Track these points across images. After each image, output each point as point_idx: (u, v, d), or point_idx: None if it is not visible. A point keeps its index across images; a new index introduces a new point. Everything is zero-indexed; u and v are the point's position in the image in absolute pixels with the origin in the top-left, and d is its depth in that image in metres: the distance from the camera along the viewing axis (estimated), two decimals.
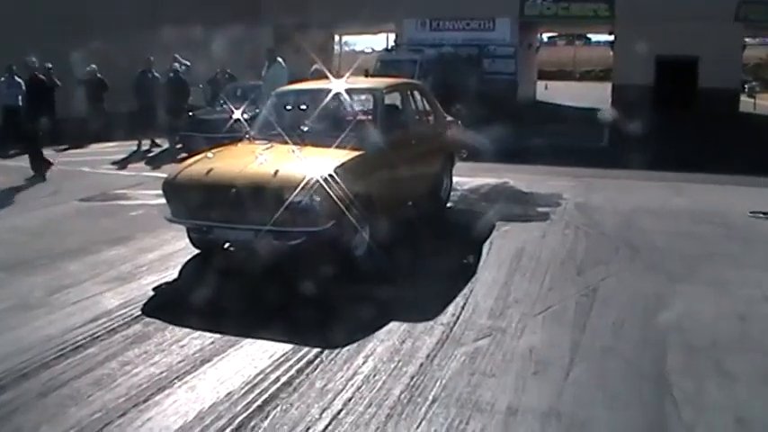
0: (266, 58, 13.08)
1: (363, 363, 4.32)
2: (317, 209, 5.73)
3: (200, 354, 4.45)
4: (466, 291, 5.61)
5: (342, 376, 4.14)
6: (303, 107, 7.69)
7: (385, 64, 24.53)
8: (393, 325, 4.88)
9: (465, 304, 5.32)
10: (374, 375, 4.15)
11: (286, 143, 6.64)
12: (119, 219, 8.14)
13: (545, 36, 50.42)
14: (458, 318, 5.06)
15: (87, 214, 8.55)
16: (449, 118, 9.18)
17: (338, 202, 5.85)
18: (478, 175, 10.65)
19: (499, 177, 10.63)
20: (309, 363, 4.32)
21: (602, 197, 9.28)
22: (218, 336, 4.69)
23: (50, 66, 14.00)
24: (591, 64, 44.71)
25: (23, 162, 11.23)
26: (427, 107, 8.67)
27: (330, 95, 7.55)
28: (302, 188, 5.70)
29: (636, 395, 3.89)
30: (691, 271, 6.06)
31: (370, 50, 37.08)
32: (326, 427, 3.58)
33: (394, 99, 8.08)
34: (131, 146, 14.12)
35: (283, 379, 4.10)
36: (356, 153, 6.41)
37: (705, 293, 5.50)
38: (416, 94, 8.57)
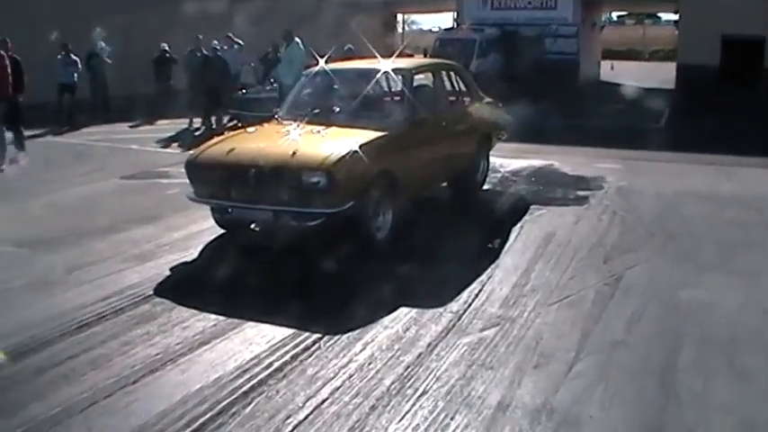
0: (283, 38, 12.89)
1: (361, 350, 4.19)
2: (334, 189, 5.61)
3: (200, 336, 4.40)
4: (483, 277, 5.41)
5: (336, 364, 4.02)
6: (332, 88, 7.55)
7: (444, 43, 24.11)
8: (401, 311, 4.74)
9: (480, 291, 5.13)
10: (369, 364, 4.02)
11: (312, 124, 6.54)
12: (154, 197, 8.20)
13: (614, 15, 48.93)
14: (469, 305, 4.87)
15: (125, 192, 8.64)
16: (487, 99, 8.84)
17: (357, 183, 5.76)
18: (524, 156, 10.35)
19: (545, 159, 10.29)
20: (306, 349, 4.21)
21: (648, 180, 8.86)
22: (221, 318, 4.63)
23: (103, 45, 14.28)
24: (660, 43, 42.97)
25: (74, 138, 11.47)
26: (462, 88, 8.43)
27: (359, 76, 7.41)
28: (318, 168, 5.62)
29: (638, 393, 3.65)
30: (724, 260, 5.70)
31: (437, 29, 36.53)
32: (307, 416, 3.46)
33: (425, 80, 7.88)
34: (183, 124, 14.25)
35: (276, 365, 4.01)
36: (379, 134, 6.25)
37: (734, 284, 5.15)
38: (451, 74, 8.34)
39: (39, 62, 13.82)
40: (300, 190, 5.67)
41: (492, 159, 10.28)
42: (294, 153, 5.77)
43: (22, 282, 5.35)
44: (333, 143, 5.97)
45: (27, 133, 11.00)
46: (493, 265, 5.67)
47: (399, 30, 41.23)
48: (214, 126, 13.45)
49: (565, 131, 12.13)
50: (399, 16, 39.82)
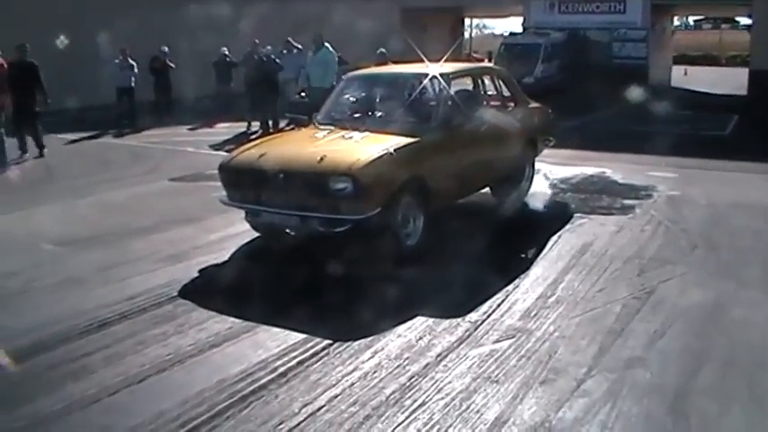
0: (313, 42, 12.72)
1: (369, 358, 4.14)
2: (360, 195, 5.54)
3: (213, 338, 4.43)
4: (510, 287, 5.28)
5: (340, 371, 3.98)
6: (369, 93, 7.52)
7: (509, 48, 23.86)
8: (417, 320, 4.67)
9: (502, 301, 5.01)
10: (374, 372, 3.97)
11: (346, 129, 6.53)
12: (198, 199, 8.32)
13: (690, 20, 47.40)
14: (488, 316, 4.75)
15: (172, 193, 8.83)
16: (533, 104, 8.64)
17: (384, 189, 5.69)
18: (578, 163, 10.11)
19: (599, 167, 10.00)
20: (315, 354, 4.19)
21: (701, 190, 8.49)
22: (238, 321, 4.65)
23: (167, 49, 14.65)
24: (737, 48, 41.31)
25: (133, 141, 11.79)
26: (505, 92, 8.23)
27: (395, 81, 7.36)
28: (345, 174, 5.57)
29: (645, 414, 3.47)
30: (766, 278, 5.39)
31: (507, 34, 36.23)
32: (300, 423, 3.44)
33: (463, 84, 7.75)
34: (242, 127, 14.47)
35: (281, 370, 4.00)
36: (411, 139, 6.15)
37: None
38: (493, 79, 8.21)
39: (93, 66, 14.36)
40: (327, 195, 5.63)
41: (544, 166, 10.11)
42: (322, 159, 5.75)
43: (53, 279, 5.52)
44: (362, 149, 5.94)
45: (86, 134, 11.33)
46: (522, 275, 5.53)
47: (467, 34, 41.07)
48: (271, 129, 13.61)
49: (624, 138, 11.79)
50: (467, 20, 39.67)
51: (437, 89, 7.09)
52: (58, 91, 11.98)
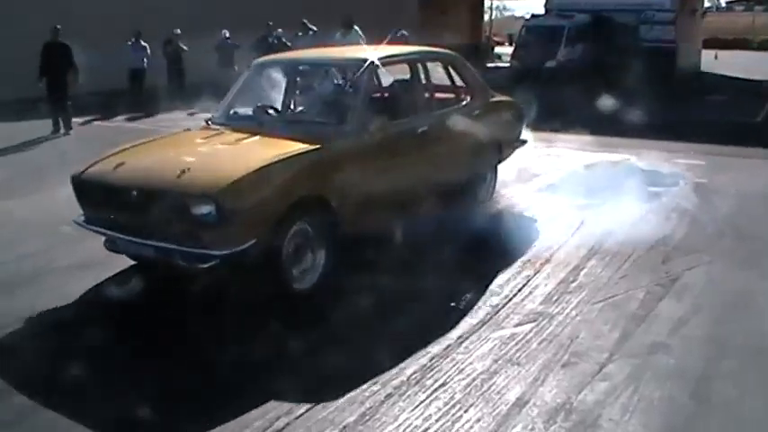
0: (342, 25, 12.72)
1: (392, 341, 4.30)
2: (224, 223, 4.41)
3: None
4: (530, 272, 5.42)
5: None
6: (277, 85, 6.45)
7: (530, 30, 23.82)
8: (435, 303, 4.83)
9: (523, 286, 5.15)
10: (394, 352, 4.12)
11: (239, 131, 5.54)
12: None
13: (722, 1, 47.02)
14: (509, 300, 4.91)
15: None
16: (498, 97, 7.56)
17: (262, 215, 4.60)
18: (601, 150, 10.22)
19: (623, 153, 10.09)
20: None
21: (730, 178, 8.57)
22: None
23: (179, 32, 14.85)
24: None
25: (144, 124, 11.98)
26: (459, 84, 7.16)
27: (308, 70, 6.52)
28: (204, 195, 4.45)
29: (667, 399, 3.61)
30: None
31: (529, 16, 36.21)
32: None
33: (397, 74, 6.72)
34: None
35: None
36: (309, 147, 5.03)
37: None
38: (446, 66, 7.14)
39: (111, 50, 14.57)
40: (187, 222, 4.53)
41: (565, 152, 10.26)
42: (183, 173, 4.63)
43: (65, 262, 5.67)
44: (239, 160, 4.87)
45: (95, 117, 11.49)
46: (543, 261, 5.67)
47: (487, 17, 40.98)
48: None
49: (650, 124, 11.80)
50: (487, 2, 39.66)
51: (356, 80, 5.93)
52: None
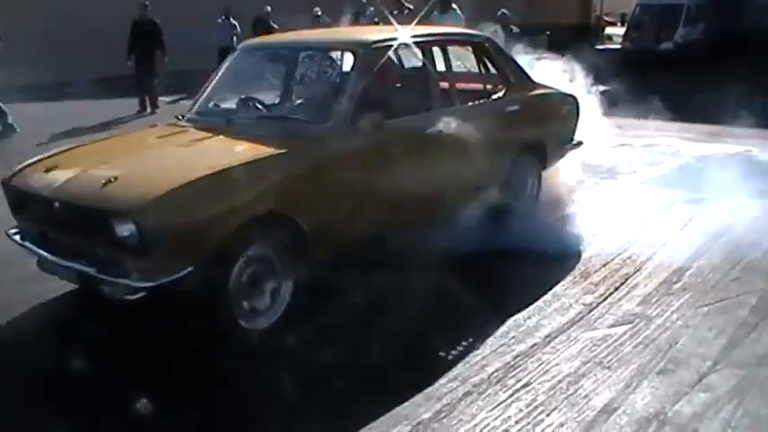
0: (439, 2, 12.08)
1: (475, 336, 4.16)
2: (148, 248, 3.61)
3: None
4: (629, 270, 5.15)
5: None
6: (259, 73, 5.78)
7: (645, 9, 22.71)
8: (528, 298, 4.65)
9: (620, 285, 4.89)
10: (477, 349, 3.98)
11: (208, 129, 4.75)
12: None
13: None
14: (604, 299, 4.66)
15: None
16: (544, 89, 6.33)
17: (200, 238, 3.74)
18: (718, 140, 9.67)
19: (744, 144, 9.47)
20: None
21: None
22: None
23: (269, 9, 15.04)
24: None
25: None
26: (492, 71, 6.07)
27: (298, 56, 5.68)
28: (124, 213, 3.65)
29: None
30: None
31: None
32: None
33: (405, 59, 5.89)
34: None
35: None
36: (273, 152, 4.17)
37: None
38: (475, 51, 6.02)
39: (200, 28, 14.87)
40: (111, 244, 3.74)
41: (678, 142, 9.75)
42: (108, 183, 3.85)
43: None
44: (180, 168, 4.05)
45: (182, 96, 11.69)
46: (644, 260, 5.37)
47: None
48: None
49: None
50: None
51: (352, 69, 4.99)
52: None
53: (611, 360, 3.84)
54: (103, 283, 3.85)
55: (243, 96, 5.23)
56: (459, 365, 3.79)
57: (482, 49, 6.03)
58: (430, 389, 3.55)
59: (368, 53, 4.91)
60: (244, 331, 4.00)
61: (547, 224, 6.03)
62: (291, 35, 6.04)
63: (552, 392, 3.51)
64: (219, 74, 5.52)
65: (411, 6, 14.69)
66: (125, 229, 3.62)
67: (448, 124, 5.12)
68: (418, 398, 3.48)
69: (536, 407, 3.38)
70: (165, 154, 4.49)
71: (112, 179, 3.86)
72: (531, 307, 4.54)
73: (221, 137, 4.57)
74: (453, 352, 3.95)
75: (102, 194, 3.78)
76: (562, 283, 4.93)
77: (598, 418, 3.29)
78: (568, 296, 4.70)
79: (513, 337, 4.12)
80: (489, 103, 5.83)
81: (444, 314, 4.42)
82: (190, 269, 3.65)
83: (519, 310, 4.48)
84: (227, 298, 3.88)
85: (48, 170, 4.30)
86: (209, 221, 3.76)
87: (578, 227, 6.04)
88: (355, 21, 14.42)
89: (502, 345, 4.03)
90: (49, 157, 4.59)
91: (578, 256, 5.45)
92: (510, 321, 4.34)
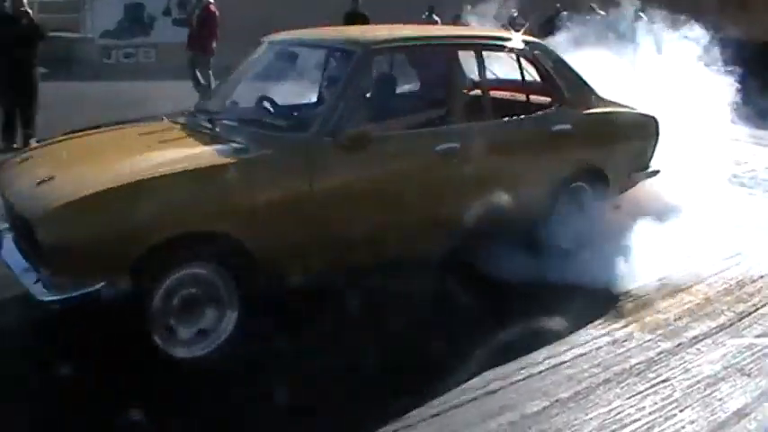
0: (633, 11, 11.91)
1: (622, 327, 4.49)
2: (52, 258, 3.43)
3: None
4: None
5: (591, 334, 4.40)
6: (270, 70, 5.36)
7: None
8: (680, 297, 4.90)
9: None
10: (624, 341, 4.32)
11: (188, 129, 4.53)
12: None
13: None
14: (756, 309, 4.81)
15: None
16: (609, 108, 5.45)
17: (113, 251, 3.44)
18: None
19: None
20: None
21: None
22: None
23: (470, 8, 15.30)
24: None
25: None
26: (539, 82, 5.33)
27: (300, 54, 5.45)
28: (31, 219, 3.52)
29: None
30: None
31: None
32: (541, 371, 3.92)
33: (419, 64, 5.52)
34: None
35: None
36: (219, 161, 3.85)
37: None
38: (519, 58, 5.21)
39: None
40: (33, 250, 3.61)
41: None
42: (41, 183, 3.71)
43: None
44: (111, 172, 3.72)
45: None
46: None
47: None
48: None
49: None
50: None
51: (336, 72, 4.71)
52: None
53: (752, 368, 4.04)
54: (31, 288, 3.63)
55: (234, 97, 5.03)
56: (604, 353, 4.14)
57: (528, 56, 5.22)
58: (572, 371, 3.94)
59: (365, 56, 4.44)
60: (170, 357, 3.66)
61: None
62: (304, 32, 5.40)
63: (689, 391, 3.78)
64: (242, 68, 5.28)
65: (603, 13, 14.10)
66: (39, 234, 3.44)
67: (461, 143, 4.51)
68: (559, 377, 3.87)
69: (671, 402, 3.68)
70: (122, 155, 4.12)
71: (47, 179, 3.71)
72: (683, 309, 4.79)
73: (191, 140, 4.29)
74: (599, 340, 4.30)
75: (30, 195, 3.71)
76: (717, 290, 5.11)
77: (729, 421, 3.54)
78: (721, 302, 4.89)
79: (662, 335, 4.40)
80: (529, 119, 5.07)
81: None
82: (101, 284, 3.39)
83: (670, 311, 4.75)
84: (147, 319, 3.57)
85: (21, 162, 4.36)
86: (126, 234, 3.46)
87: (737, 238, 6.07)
88: (548, 24, 14.27)
89: (648, 340, 4.33)
90: (40, 147, 4.75)
91: (736, 266, 5.56)
92: (660, 319, 4.62)
